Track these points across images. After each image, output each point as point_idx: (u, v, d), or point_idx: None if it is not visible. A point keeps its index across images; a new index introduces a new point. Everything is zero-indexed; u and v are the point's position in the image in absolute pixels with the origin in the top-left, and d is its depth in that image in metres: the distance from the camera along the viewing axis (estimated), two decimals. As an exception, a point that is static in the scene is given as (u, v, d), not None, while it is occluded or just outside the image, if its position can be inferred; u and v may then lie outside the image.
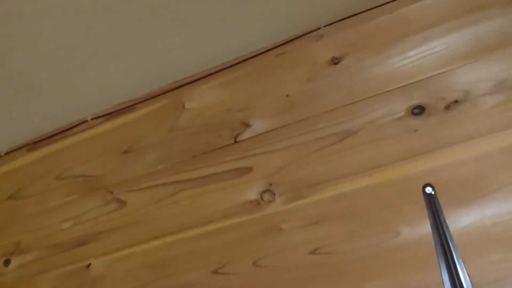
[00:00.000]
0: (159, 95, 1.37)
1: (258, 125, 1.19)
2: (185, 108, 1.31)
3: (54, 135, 1.50)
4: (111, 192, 1.32)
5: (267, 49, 1.27)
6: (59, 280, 1.30)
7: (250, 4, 1.13)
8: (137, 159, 1.33)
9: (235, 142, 1.21)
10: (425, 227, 0.95)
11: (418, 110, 1.04)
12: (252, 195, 1.13)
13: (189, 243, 1.16)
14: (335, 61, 1.16)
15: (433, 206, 0.95)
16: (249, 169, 1.16)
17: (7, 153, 1.57)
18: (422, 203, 0.96)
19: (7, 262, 1.40)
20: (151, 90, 1.39)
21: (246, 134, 1.20)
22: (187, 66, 1.32)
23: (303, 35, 1.23)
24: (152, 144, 1.32)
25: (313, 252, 1.02)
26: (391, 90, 1.08)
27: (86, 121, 1.46)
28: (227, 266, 1.10)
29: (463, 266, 0.89)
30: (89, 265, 1.27)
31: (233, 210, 1.14)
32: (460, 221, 0.93)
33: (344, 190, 1.04)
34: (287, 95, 1.19)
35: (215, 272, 1.11)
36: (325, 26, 1.21)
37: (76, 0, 1.05)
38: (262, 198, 1.12)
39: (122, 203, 1.29)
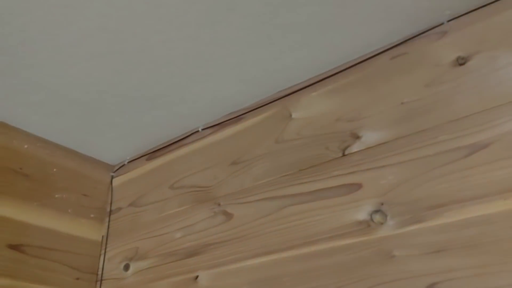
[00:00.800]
0: (266, 104, 1.33)
1: (369, 137, 1.08)
2: (292, 118, 1.25)
3: (169, 145, 1.55)
4: (219, 204, 1.31)
5: (380, 51, 1.14)
6: (171, 289, 1.32)
7: (360, 2, 1.03)
8: (244, 171, 1.30)
9: (343, 155, 1.10)
10: None
11: None
12: (362, 215, 1.02)
13: (295, 263, 1.09)
14: (461, 61, 1.00)
15: None
16: (358, 186, 1.05)
17: (130, 162, 1.66)
18: None
19: (126, 267, 1.48)
20: (259, 99, 1.35)
21: (356, 147, 1.09)
22: (295, 73, 1.25)
23: (423, 32, 1.09)
24: (259, 156, 1.28)
25: (432, 287, 0.88)
26: (534, 94, 0.89)
27: (198, 131, 1.48)
28: (334, 292, 1.01)
29: None
30: (197, 277, 1.27)
31: (341, 230, 1.05)
32: None
33: (471, 215, 0.88)
34: (402, 103, 1.05)
35: (321, 297, 1.02)
36: (449, 20, 1.05)
37: (180, 14, 1.05)
38: (372, 219, 1.00)
39: (229, 216, 1.27)
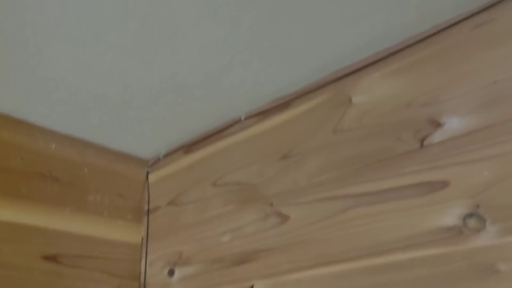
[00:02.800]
0: (318, 88, 1.15)
1: (454, 124, 0.90)
2: (352, 103, 1.07)
3: (209, 137, 1.40)
4: (271, 204, 1.16)
5: (459, 19, 0.95)
6: (222, 299, 1.19)
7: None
8: (296, 166, 1.14)
9: (422, 146, 0.93)
10: None
11: None
12: (450, 219, 0.86)
13: (365, 276, 0.94)
14: None
15: None
16: (443, 184, 0.88)
17: (165, 156, 1.53)
18: None
19: (171, 273, 1.35)
20: (308, 82, 1.18)
21: (437, 136, 0.92)
22: (351, 50, 1.07)
23: (515, -6, 0.88)
24: (313, 149, 1.12)
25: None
26: None
27: (240, 121, 1.32)
28: (418, 313, 0.85)
29: None
30: (252, 286, 1.13)
31: (422, 238, 0.88)
32: None
33: None
34: (495, 82, 0.87)
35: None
36: (550, -23, 0.85)
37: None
38: (465, 225, 0.83)
39: (284, 218, 1.12)
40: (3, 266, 1.16)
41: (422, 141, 0.93)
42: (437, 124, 0.92)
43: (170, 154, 1.51)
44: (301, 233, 1.08)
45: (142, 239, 1.48)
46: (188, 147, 1.46)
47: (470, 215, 0.83)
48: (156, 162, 1.55)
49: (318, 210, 1.06)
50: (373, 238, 0.95)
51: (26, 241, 1.22)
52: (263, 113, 1.26)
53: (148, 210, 1.51)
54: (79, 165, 1.40)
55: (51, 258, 1.26)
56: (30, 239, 1.23)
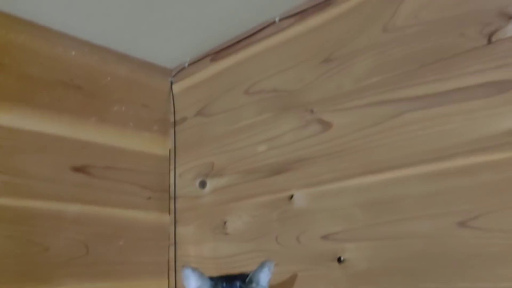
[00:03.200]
0: (366, -19, 1.03)
1: (531, 16, 0.80)
2: (406, -3, 0.96)
3: (239, 41, 1.29)
4: (311, 111, 1.09)
5: None
6: (258, 209, 1.16)
7: None
8: (341, 70, 1.05)
9: (490, 43, 0.84)
10: None
11: None
12: (521, 121, 0.78)
13: (420, 183, 0.89)
14: None
15: None
16: (513, 83, 0.80)
17: (190, 64, 1.43)
18: None
19: (202, 184, 1.32)
20: (355, -24, 1.05)
21: (508, 31, 0.82)
22: None
23: None
24: (360, 50, 1.02)
25: None
26: None
27: (274, 23, 1.21)
28: (481, 219, 0.81)
29: None
30: (291, 196, 1.09)
31: (486, 142, 0.82)
32: None
33: None
34: None
35: (462, 224, 0.83)
36: None
37: None
38: (538, 127, 0.76)
39: (326, 125, 1.06)
40: (33, 177, 1.12)
41: (490, 37, 0.84)
42: (509, 17, 0.82)
43: (195, 63, 1.42)
44: (346, 140, 1.01)
45: (170, 151, 1.44)
46: (215, 54, 1.36)
47: (545, 116, 0.76)
48: (180, 71, 1.46)
49: (366, 116, 0.99)
50: (431, 143, 0.88)
51: (53, 152, 1.17)
52: (301, 14, 1.15)
53: (175, 121, 1.44)
54: (101, 74, 1.32)
55: (80, 169, 1.22)
56: (57, 149, 1.18)
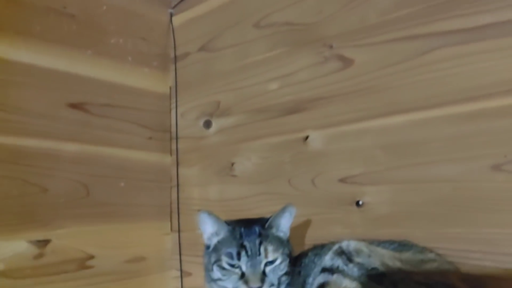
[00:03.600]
0: None
1: None
2: None
3: (248, -31, 1.18)
4: (330, 47, 1.01)
5: None
6: (269, 151, 1.11)
7: None
8: (366, 1, 0.96)
9: (539, -29, 0.76)
10: None
11: None
12: None
13: (450, 124, 0.84)
14: None
15: None
16: None
17: (192, -5, 1.32)
18: None
19: (207, 124, 1.25)
20: None
21: (562, -42, 0.74)
22: None
23: None
24: (388, -21, 0.93)
25: None
26: None
27: None
28: (516, 163, 0.77)
29: None
30: (306, 137, 1.04)
31: (528, 81, 0.76)
32: None
33: None
34: None
35: (496, 168, 0.78)
36: None
37: None
38: None
39: (346, 62, 0.98)
40: (28, 114, 1.04)
41: (540, -36, 0.76)
42: None
43: (199, -7, 1.31)
44: (369, 78, 0.95)
45: (170, 88, 1.35)
46: (221, -17, 1.25)
47: None
48: (181, 2, 1.35)
49: (392, 52, 0.92)
50: (465, 82, 0.82)
51: (48, 87, 1.08)
52: None
53: (175, 57, 1.35)
54: (96, 2, 1.20)
55: (77, 106, 1.13)
56: (52, 84, 1.09)
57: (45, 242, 1.04)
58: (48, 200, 1.05)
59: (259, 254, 0.79)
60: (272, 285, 0.79)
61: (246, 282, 0.77)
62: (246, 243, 0.79)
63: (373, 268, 0.69)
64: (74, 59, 1.13)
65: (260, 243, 0.79)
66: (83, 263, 1.10)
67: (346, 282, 0.69)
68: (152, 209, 1.28)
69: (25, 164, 1.02)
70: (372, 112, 0.94)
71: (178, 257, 1.28)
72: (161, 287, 1.28)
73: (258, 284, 0.77)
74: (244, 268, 0.79)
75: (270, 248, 0.80)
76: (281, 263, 0.80)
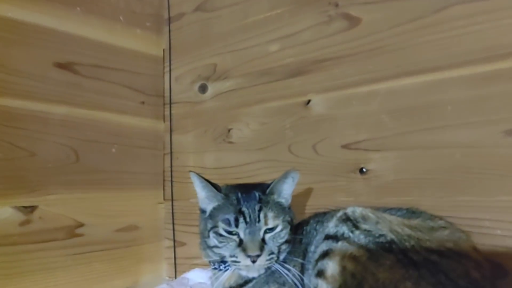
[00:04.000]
0: None
1: None
2: None
3: None
4: (336, 5, 0.95)
5: None
6: (269, 116, 1.06)
7: None
8: (374, -45, 0.90)
9: None
10: None
11: None
12: None
13: (464, 87, 0.79)
14: None
15: None
16: None
17: (187, -49, 1.24)
18: None
19: (203, 88, 1.19)
20: None
21: None
22: None
23: None
24: None
25: None
26: None
27: None
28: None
29: None
30: (308, 101, 0.99)
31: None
32: None
33: None
34: None
35: (509, 133, 0.74)
36: None
37: None
38: None
39: (353, 21, 0.93)
40: (14, 73, 0.97)
41: None
42: None
43: (194, -51, 1.23)
44: (377, 38, 0.89)
45: (164, 51, 1.29)
46: None
47: None
48: (175, -41, 1.27)
49: (403, 10, 0.86)
50: (482, 41, 0.77)
51: (35, 44, 1.01)
52: None
53: (169, 17, 1.28)
54: (86, -44, 1.12)
55: (65, 66, 1.07)
56: (39, 42, 1.02)
57: (32, 208, 0.98)
58: (36, 165, 1.00)
59: (259, 220, 0.74)
60: (272, 253, 0.74)
61: (244, 250, 0.73)
62: (244, 209, 0.75)
63: (381, 235, 0.65)
64: (62, 16, 1.06)
65: (260, 209, 0.75)
66: (73, 231, 1.06)
67: (352, 249, 0.65)
68: (145, 177, 1.23)
69: (12, 126, 0.96)
70: (380, 74, 0.89)
71: (171, 226, 1.23)
72: (154, 257, 1.24)
73: (257, 252, 0.73)
74: (242, 235, 0.74)
75: (270, 214, 0.75)
76: (281, 230, 0.76)
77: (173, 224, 1.23)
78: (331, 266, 0.65)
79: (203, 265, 1.08)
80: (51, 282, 1.01)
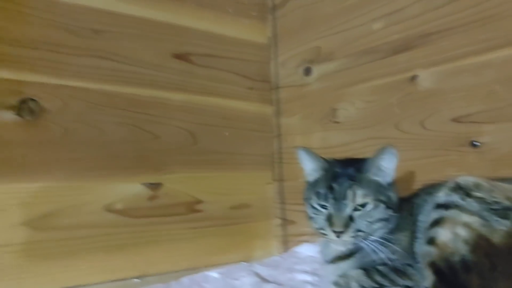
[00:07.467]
0: None
1: None
2: None
3: None
4: (443, -24, 0.93)
5: None
6: (374, 94, 1.06)
7: None
8: None
9: None
10: None
11: None
12: None
13: None
14: None
15: None
16: None
17: None
18: None
19: (308, 71, 1.23)
20: None
21: None
22: None
23: None
24: None
25: None
26: None
27: None
28: None
29: None
30: (413, 77, 0.98)
31: None
32: None
33: None
34: None
35: None
36: None
37: None
38: None
39: (461, -9, 0.90)
40: (136, 63, 1.09)
41: None
42: None
43: None
44: (489, 6, 0.86)
45: (269, 38, 1.34)
46: None
47: None
48: (279, -51, 1.32)
49: (517, -26, 0.82)
50: None
51: (155, 38, 1.13)
52: None
53: (274, 5, 1.33)
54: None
55: (181, 57, 1.17)
56: (159, 36, 1.13)
57: (158, 185, 1.10)
58: (160, 147, 1.11)
59: (346, 197, 0.75)
60: (359, 231, 0.74)
61: (331, 225, 0.75)
62: (335, 185, 0.76)
63: (496, 202, 0.64)
64: (176, 10, 1.17)
65: (349, 187, 0.75)
66: (192, 206, 1.16)
67: (464, 216, 0.64)
68: (256, 158, 1.30)
69: (139, 112, 1.08)
70: (493, 43, 0.85)
71: (280, 205, 1.29)
72: (265, 234, 1.30)
73: (341, 229, 0.74)
74: (330, 210, 0.76)
75: (359, 192, 0.75)
76: (373, 209, 0.75)
77: (283, 203, 1.29)
78: (443, 234, 0.65)
79: (312, 241, 1.13)
80: (175, 252, 1.12)
